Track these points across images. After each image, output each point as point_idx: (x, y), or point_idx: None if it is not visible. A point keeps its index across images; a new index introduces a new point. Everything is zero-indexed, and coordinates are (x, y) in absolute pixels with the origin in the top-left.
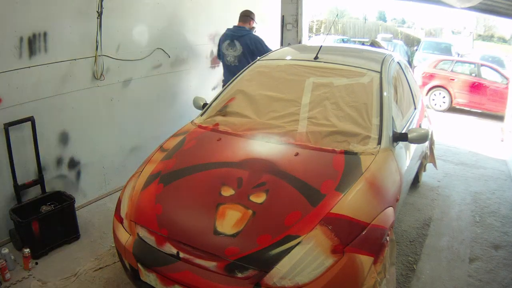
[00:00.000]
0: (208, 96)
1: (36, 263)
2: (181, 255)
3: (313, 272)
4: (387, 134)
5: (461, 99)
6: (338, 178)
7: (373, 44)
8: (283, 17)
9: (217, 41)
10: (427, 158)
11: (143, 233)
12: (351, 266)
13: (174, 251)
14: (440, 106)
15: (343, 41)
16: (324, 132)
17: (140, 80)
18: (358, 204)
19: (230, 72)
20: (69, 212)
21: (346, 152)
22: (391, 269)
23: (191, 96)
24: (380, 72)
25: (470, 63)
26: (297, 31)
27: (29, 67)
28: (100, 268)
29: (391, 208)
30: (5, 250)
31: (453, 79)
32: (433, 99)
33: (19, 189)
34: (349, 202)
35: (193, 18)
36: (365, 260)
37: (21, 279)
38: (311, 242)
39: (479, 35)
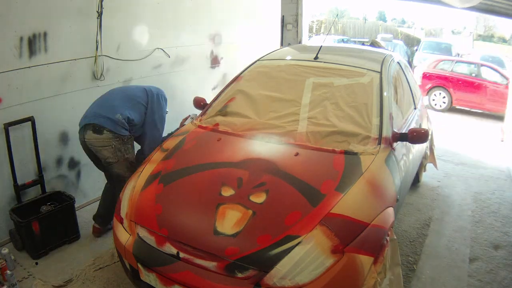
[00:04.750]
0: (208, 96)
1: (36, 263)
2: (181, 255)
3: (313, 272)
4: (387, 134)
5: (461, 99)
6: (338, 178)
7: (373, 44)
8: (283, 17)
9: (217, 41)
10: (427, 158)
11: (143, 233)
12: (351, 266)
13: (174, 251)
14: (440, 106)
15: (343, 41)
16: (324, 132)
17: (140, 80)
18: (358, 204)
19: None
20: (69, 212)
21: (346, 152)
22: (396, 270)
23: (191, 96)
24: (380, 72)
25: (470, 63)
26: (297, 31)
27: (29, 67)
28: (100, 268)
29: (391, 208)
30: (5, 250)
31: (453, 79)
32: (433, 99)
33: (19, 189)
34: (349, 202)
35: (193, 18)
36: (365, 260)
37: (21, 279)
38: (311, 242)
39: (479, 35)
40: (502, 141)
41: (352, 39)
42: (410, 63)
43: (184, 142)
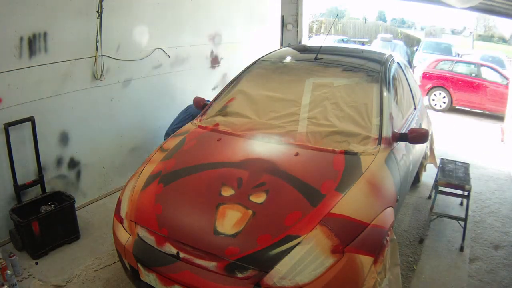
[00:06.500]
0: (208, 96)
1: (36, 263)
2: (181, 255)
3: (313, 272)
4: (387, 134)
5: (461, 99)
6: (338, 178)
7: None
8: (283, 17)
9: (217, 41)
10: (427, 158)
11: (143, 233)
12: (351, 266)
13: (174, 251)
14: (440, 106)
15: (343, 41)
16: (324, 132)
17: (140, 80)
18: (358, 204)
19: None
20: (69, 212)
21: (346, 152)
22: (395, 270)
23: (191, 96)
24: (380, 72)
25: (470, 63)
26: (297, 31)
27: (29, 67)
28: (100, 268)
29: (391, 208)
30: (7, 251)
31: (453, 79)
32: (433, 99)
33: (19, 189)
34: (349, 202)
35: (193, 18)
36: (365, 260)
37: (21, 279)
38: (311, 242)
39: (479, 35)
40: (502, 141)
41: (352, 39)
42: (410, 63)
43: (184, 142)
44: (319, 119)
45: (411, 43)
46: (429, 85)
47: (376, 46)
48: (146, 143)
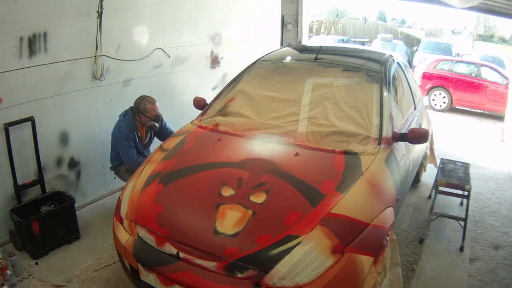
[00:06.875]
0: (208, 96)
1: (36, 263)
2: (181, 255)
3: (313, 272)
4: (387, 134)
5: (461, 99)
6: (338, 178)
7: None
8: (283, 17)
9: (217, 41)
10: (427, 158)
11: (143, 233)
12: (351, 266)
13: (174, 251)
14: (440, 106)
15: (343, 41)
16: (324, 132)
17: (140, 80)
18: (358, 204)
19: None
20: (69, 212)
21: (346, 152)
22: (396, 270)
23: (191, 96)
24: (380, 72)
25: (470, 63)
26: (297, 31)
27: (29, 67)
28: (100, 268)
29: (391, 208)
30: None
31: (453, 79)
32: (433, 99)
33: (19, 189)
34: (349, 202)
35: (193, 18)
36: (365, 260)
37: (21, 279)
38: (311, 242)
39: (479, 35)
40: (502, 141)
41: (352, 39)
42: (410, 63)
43: (184, 142)
44: (319, 119)
45: (411, 43)
46: (429, 85)
47: (376, 46)
48: None
